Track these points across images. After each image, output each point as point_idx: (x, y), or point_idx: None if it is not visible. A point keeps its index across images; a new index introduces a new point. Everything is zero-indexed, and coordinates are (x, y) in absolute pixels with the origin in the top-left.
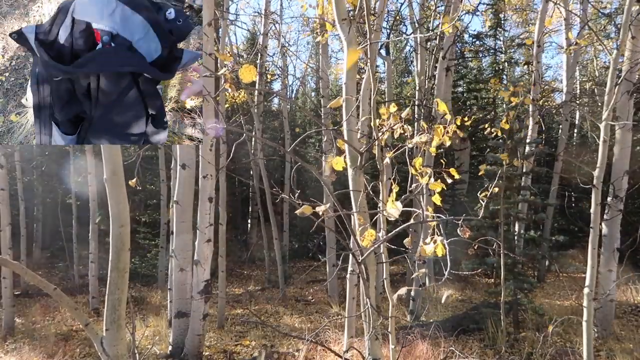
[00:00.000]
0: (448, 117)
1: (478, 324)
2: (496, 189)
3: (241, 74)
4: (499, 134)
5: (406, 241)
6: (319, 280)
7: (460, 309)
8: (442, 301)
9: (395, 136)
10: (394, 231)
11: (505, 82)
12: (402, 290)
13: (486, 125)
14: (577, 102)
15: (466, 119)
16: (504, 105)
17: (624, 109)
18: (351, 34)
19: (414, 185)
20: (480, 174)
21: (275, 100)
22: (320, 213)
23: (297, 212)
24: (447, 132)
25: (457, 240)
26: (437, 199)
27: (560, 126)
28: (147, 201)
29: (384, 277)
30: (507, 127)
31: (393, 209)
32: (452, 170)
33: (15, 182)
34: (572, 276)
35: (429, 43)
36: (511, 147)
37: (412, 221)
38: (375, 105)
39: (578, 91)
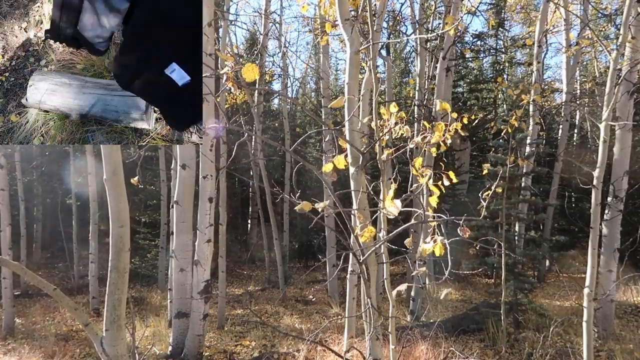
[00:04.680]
0: (454, 114)
1: (478, 324)
2: (499, 189)
3: (244, 72)
4: (509, 130)
5: (407, 241)
6: (319, 280)
7: (460, 309)
8: (442, 297)
9: (395, 136)
10: (395, 231)
11: (507, 81)
12: (402, 287)
13: (492, 124)
14: (577, 102)
15: (473, 117)
16: (505, 105)
17: (624, 109)
18: (354, 34)
19: (414, 186)
20: (484, 173)
21: (275, 100)
22: (320, 210)
23: (296, 208)
24: (449, 130)
25: (457, 240)
26: (434, 200)
27: (561, 126)
28: (147, 201)
29: (384, 277)
30: (516, 124)
31: (392, 207)
32: (451, 174)
33: (15, 182)
34: (573, 276)
35: (429, 43)
36: (513, 147)
37: (412, 221)
38: (376, 105)
39: (578, 91)
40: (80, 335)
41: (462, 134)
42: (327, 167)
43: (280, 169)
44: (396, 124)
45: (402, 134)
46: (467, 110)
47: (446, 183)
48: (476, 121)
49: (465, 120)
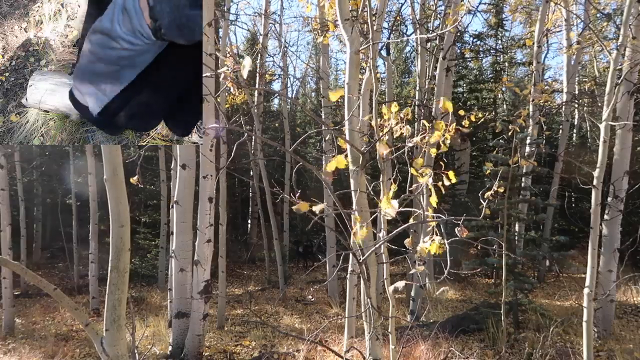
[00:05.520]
0: (462, 112)
1: (478, 324)
2: (501, 189)
3: (242, 68)
4: (517, 130)
5: (407, 241)
6: (319, 280)
7: (461, 309)
8: (437, 293)
9: (395, 135)
10: (394, 231)
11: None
12: (400, 284)
13: (497, 124)
14: (577, 102)
15: (473, 118)
16: (505, 105)
17: (624, 110)
18: (354, 34)
19: (414, 186)
20: (487, 173)
21: (275, 100)
22: (318, 212)
23: (293, 208)
24: (449, 130)
25: (457, 240)
26: (434, 200)
27: (561, 126)
28: (147, 201)
29: (384, 277)
30: (524, 123)
31: (389, 208)
32: (450, 174)
33: (15, 182)
34: (572, 276)
35: (429, 43)
36: (515, 147)
37: (412, 221)
38: (376, 105)
39: (577, 91)
40: (80, 335)
41: (466, 130)
42: (328, 168)
43: (280, 169)
44: (397, 123)
45: (402, 134)
46: (467, 110)
47: (446, 183)
48: (480, 121)
49: (466, 123)
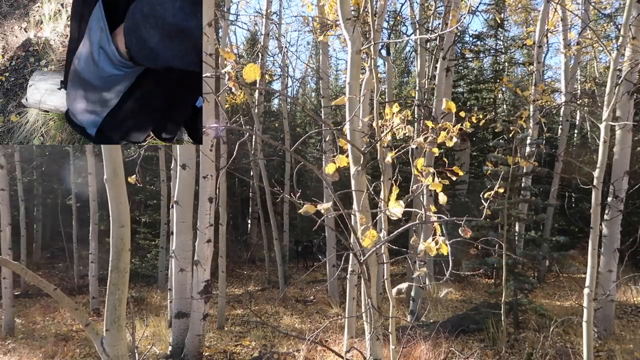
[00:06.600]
0: (462, 113)
1: (478, 324)
2: (501, 190)
3: (245, 73)
4: (518, 131)
5: (414, 240)
6: (319, 280)
7: (461, 309)
8: (441, 296)
9: (398, 137)
10: (396, 231)
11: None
12: (403, 285)
13: (498, 124)
14: (578, 102)
15: (474, 119)
16: (504, 105)
17: (624, 110)
18: (355, 34)
19: (415, 186)
20: (487, 173)
21: (275, 100)
22: (322, 211)
23: (300, 211)
24: (453, 130)
25: (458, 240)
26: (443, 198)
27: (560, 126)
28: (147, 201)
29: (385, 277)
30: (525, 125)
31: (396, 207)
32: (456, 168)
33: (15, 182)
34: (573, 276)
35: (429, 43)
36: (515, 147)
37: (415, 221)
38: (377, 105)
39: (578, 91)
40: (80, 335)
41: (468, 131)
42: (330, 168)
43: (280, 169)
44: (399, 124)
45: (405, 134)
46: (467, 110)
47: (453, 178)
48: (481, 122)
49: (467, 125)
